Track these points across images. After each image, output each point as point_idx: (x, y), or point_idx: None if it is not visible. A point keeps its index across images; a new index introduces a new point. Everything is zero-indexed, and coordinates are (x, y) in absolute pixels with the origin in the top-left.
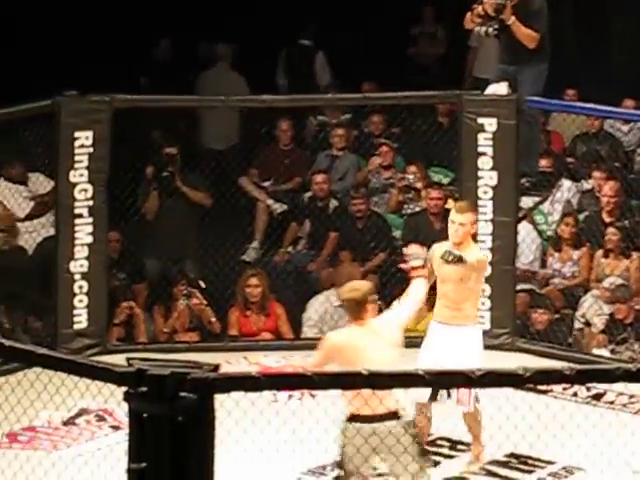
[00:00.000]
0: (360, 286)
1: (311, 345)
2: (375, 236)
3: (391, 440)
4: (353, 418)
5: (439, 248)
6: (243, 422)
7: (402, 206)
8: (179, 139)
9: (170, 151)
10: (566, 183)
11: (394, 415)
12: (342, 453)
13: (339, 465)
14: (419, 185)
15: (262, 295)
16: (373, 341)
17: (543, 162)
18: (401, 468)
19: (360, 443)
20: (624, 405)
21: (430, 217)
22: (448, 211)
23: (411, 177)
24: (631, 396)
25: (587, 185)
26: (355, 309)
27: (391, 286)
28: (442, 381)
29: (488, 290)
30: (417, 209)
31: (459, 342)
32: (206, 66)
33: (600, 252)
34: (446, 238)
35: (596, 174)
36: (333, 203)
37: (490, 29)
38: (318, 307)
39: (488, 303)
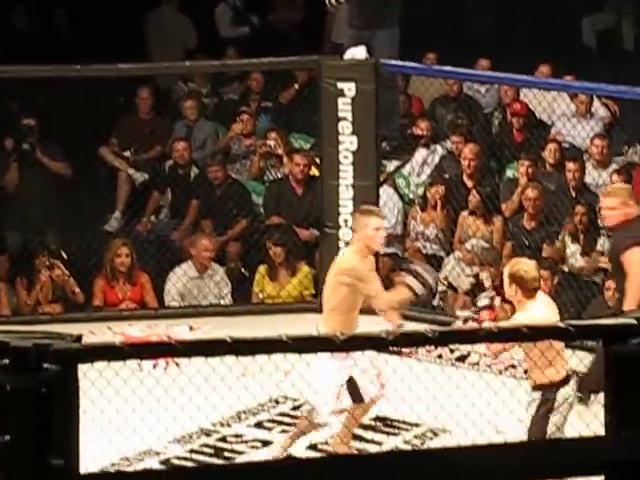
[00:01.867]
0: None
1: (174, 314)
2: (235, 204)
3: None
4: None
5: None
6: (107, 392)
7: (264, 173)
8: (37, 110)
9: (28, 122)
10: (438, 148)
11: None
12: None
13: None
14: (280, 151)
15: (129, 264)
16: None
17: (410, 125)
18: None
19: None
20: (488, 366)
21: (292, 183)
22: (311, 177)
23: (272, 143)
24: (495, 356)
25: (447, 148)
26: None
27: (254, 253)
28: (305, 347)
29: None
30: (279, 176)
31: None
32: (152, 6)
33: (464, 213)
34: (306, 204)
35: (454, 137)
36: (194, 171)
37: None
38: (178, 279)
39: None
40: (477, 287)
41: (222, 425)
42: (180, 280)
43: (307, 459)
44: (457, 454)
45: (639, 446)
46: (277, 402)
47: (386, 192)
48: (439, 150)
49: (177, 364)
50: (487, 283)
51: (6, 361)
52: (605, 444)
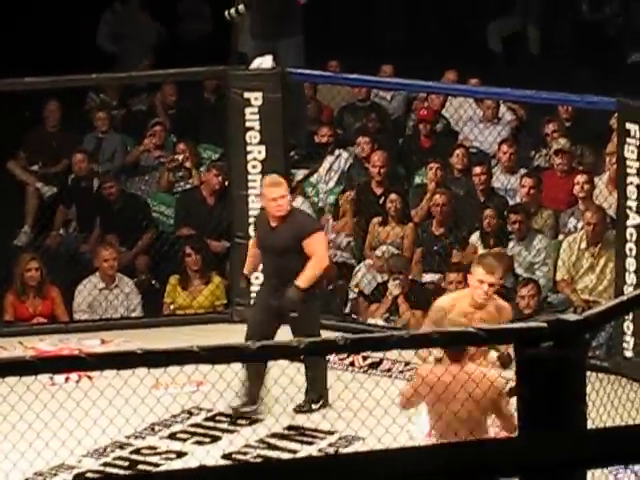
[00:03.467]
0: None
1: (86, 328)
2: (135, 217)
3: None
4: None
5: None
6: (19, 407)
7: (173, 185)
8: None
9: None
10: (343, 153)
11: None
12: None
13: None
14: (188, 164)
15: (39, 278)
16: None
17: (315, 133)
18: None
19: None
20: (400, 372)
21: (204, 194)
22: (223, 188)
23: (180, 157)
24: (406, 363)
25: (355, 155)
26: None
27: (164, 265)
28: (217, 357)
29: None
30: (188, 187)
31: None
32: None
33: (375, 220)
34: (217, 215)
35: (363, 142)
36: (96, 184)
37: (236, 8)
38: (86, 290)
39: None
40: (385, 293)
41: (136, 437)
42: (88, 292)
43: (222, 466)
44: (368, 458)
45: (551, 448)
46: (190, 413)
47: (296, 201)
48: (344, 155)
49: (89, 377)
50: (396, 291)
51: None
52: (518, 446)
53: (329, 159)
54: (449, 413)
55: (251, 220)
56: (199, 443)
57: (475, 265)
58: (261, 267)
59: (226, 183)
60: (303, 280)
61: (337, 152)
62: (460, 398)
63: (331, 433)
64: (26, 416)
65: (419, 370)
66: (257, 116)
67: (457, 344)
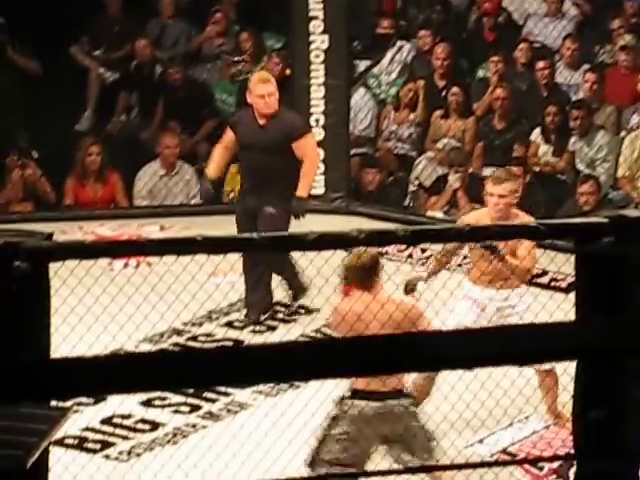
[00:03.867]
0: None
1: (145, 214)
2: (198, 105)
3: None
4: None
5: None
6: (78, 290)
7: (235, 74)
8: (7, 8)
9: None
10: (406, 45)
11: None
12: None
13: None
14: (250, 53)
15: (100, 163)
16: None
17: (377, 24)
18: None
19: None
20: (459, 265)
21: None
22: (286, 77)
23: (242, 58)
24: (465, 257)
25: (419, 46)
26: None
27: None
28: (276, 245)
29: (322, 154)
30: (249, 75)
31: None
32: None
33: (437, 113)
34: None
35: (425, 35)
36: (158, 70)
37: None
38: (147, 177)
39: (322, 167)
40: (446, 186)
41: (193, 324)
42: (148, 178)
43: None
44: (432, 338)
45: (609, 333)
46: None
47: (358, 92)
48: (407, 47)
49: (148, 263)
50: (456, 184)
51: None
52: (578, 329)
53: (391, 51)
54: None
55: (312, 110)
56: (256, 332)
57: (486, 181)
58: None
59: (288, 72)
60: (304, 189)
61: (400, 44)
62: (374, 327)
63: None
64: (85, 300)
65: (337, 306)
66: (321, 5)
67: (516, 237)
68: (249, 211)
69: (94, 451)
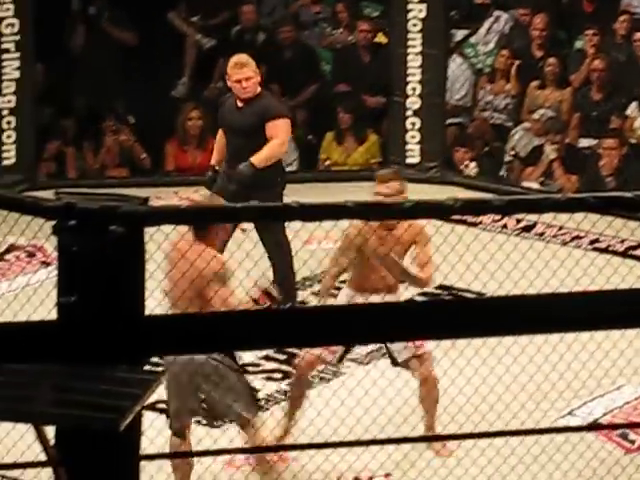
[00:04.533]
0: None
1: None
2: (304, 68)
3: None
4: None
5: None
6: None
7: (332, 42)
8: None
9: None
10: (503, 15)
11: None
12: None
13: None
14: (347, 21)
15: (200, 129)
16: None
17: None
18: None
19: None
20: (554, 236)
21: (359, 50)
22: (377, 45)
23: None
24: (560, 227)
25: (517, 17)
26: None
27: (321, 120)
28: (372, 213)
29: (418, 123)
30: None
31: None
32: None
33: (533, 84)
34: (373, 71)
35: (522, 5)
36: (261, 36)
37: None
38: None
39: (418, 136)
40: (542, 156)
41: None
42: None
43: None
44: (534, 302)
45: None
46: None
47: (455, 61)
48: (504, 17)
49: (243, 230)
50: (552, 154)
51: (73, 222)
52: None
53: (489, 20)
54: (176, 289)
55: (409, 79)
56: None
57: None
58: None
59: (383, 39)
60: (258, 158)
61: (497, 13)
62: (178, 275)
63: (481, 294)
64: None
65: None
66: None
67: (611, 209)
68: (227, 190)
69: None
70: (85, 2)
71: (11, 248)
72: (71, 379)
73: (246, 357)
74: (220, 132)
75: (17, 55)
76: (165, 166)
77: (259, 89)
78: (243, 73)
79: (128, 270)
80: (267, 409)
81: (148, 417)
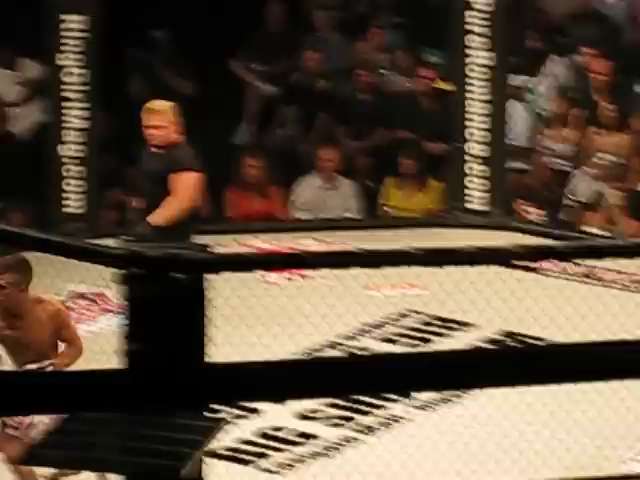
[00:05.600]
0: None
1: (302, 227)
2: (367, 113)
3: None
4: None
5: None
6: (233, 302)
7: (393, 88)
8: (169, 22)
9: (157, 34)
10: (557, 59)
11: None
12: None
13: None
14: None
15: (260, 176)
16: None
17: (533, 39)
18: None
19: None
20: (613, 281)
21: (420, 96)
22: (437, 91)
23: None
24: (620, 272)
25: (576, 62)
26: None
27: (382, 166)
28: (432, 260)
29: (479, 169)
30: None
31: None
32: None
33: (593, 129)
34: (434, 117)
35: (585, 51)
36: (322, 83)
37: None
38: (305, 191)
39: (479, 182)
40: (603, 201)
41: (347, 338)
42: (306, 191)
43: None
44: (597, 349)
45: None
46: (403, 315)
47: (514, 106)
48: (562, 61)
49: (303, 276)
50: (613, 199)
51: (137, 270)
52: None
53: (547, 65)
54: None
55: (469, 124)
56: (410, 345)
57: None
58: None
59: (444, 85)
60: (155, 216)
61: (555, 58)
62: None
63: (540, 339)
64: (239, 311)
65: None
66: (479, 20)
67: None
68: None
69: (248, 462)
70: (145, 51)
71: (75, 296)
72: (134, 426)
73: (309, 403)
74: None
75: (80, 104)
76: (225, 213)
77: (174, 137)
78: (150, 119)
79: (191, 317)
80: (330, 456)
81: (209, 464)
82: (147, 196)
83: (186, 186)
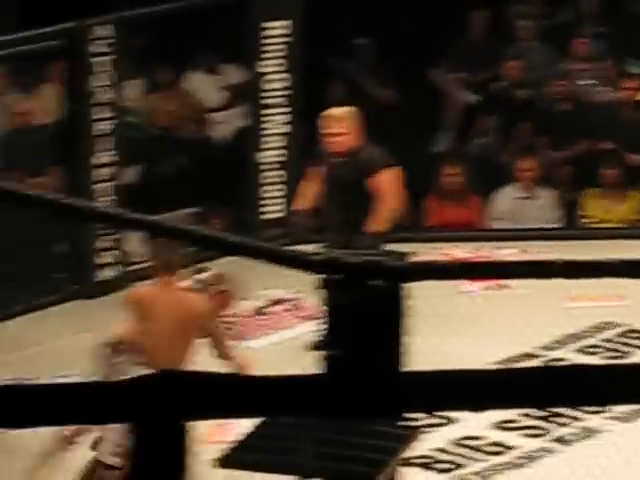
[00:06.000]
0: None
1: (501, 237)
2: (571, 123)
3: None
4: None
5: None
6: (428, 310)
7: (597, 99)
8: (370, 30)
9: (361, 41)
10: None
11: None
12: None
13: None
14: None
15: (460, 185)
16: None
17: None
18: None
19: None
20: None
21: (623, 107)
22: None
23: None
24: None
25: None
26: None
27: (583, 177)
28: (635, 272)
29: None
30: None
31: None
32: None
33: None
34: (636, 129)
35: None
36: (523, 93)
37: None
38: (505, 201)
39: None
40: None
41: (545, 349)
42: (506, 200)
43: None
44: None
45: None
46: (602, 327)
47: None
48: None
49: (500, 286)
50: None
51: (337, 276)
52: None
53: None
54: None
55: None
56: (610, 358)
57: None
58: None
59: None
60: (372, 225)
61: None
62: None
63: None
64: (433, 321)
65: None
66: None
67: None
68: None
69: (444, 471)
70: (346, 59)
71: (273, 301)
72: (332, 432)
73: (504, 413)
74: (310, 176)
75: (281, 110)
76: (424, 221)
77: (355, 143)
78: (330, 127)
79: (388, 325)
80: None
81: (404, 472)
82: (341, 205)
83: (389, 185)
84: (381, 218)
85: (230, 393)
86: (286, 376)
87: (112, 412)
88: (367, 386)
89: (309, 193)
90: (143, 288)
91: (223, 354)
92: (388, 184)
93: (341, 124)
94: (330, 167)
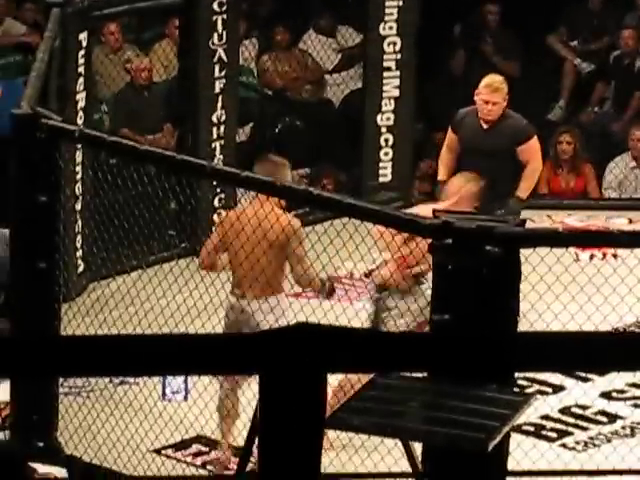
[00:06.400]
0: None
1: (614, 206)
2: None
3: None
4: None
5: None
6: (547, 278)
7: None
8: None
9: (489, 9)
10: None
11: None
12: None
13: None
14: None
15: (574, 153)
16: None
17: None
18: None
19: None
20: None
21: None
22: None
23: None
24: None
25: None
26: None
27: None
28: None
29: None
30: None
31: None
32: None
33: None
34: None
35: None
36: (638, 62)
37: None
38: (617, 171)
39: None
40: None
41: None
42: (619, 170)
43: None
44: None
45: None
46: None
47: None
48: None
49: (614, 255)
50: None
51: (449, 241)
52: None
53: None
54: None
55: None
56: None
57: None
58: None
59: None
60: (523, 190)
61: None
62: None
63: None
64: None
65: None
66: None
67: None
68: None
69: (552, 439)
70: (467, 29)
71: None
72: (441, 397)
73: (615, 383)
74: (445, 149)
75: (397, 73)
76: (538, 189)
77: (504, 111)
78: (492, 97)
79: (502, 290)
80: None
81: (515, 438)
82: (488, 172)
83: (536, 153)
84: (529, 184)
85: (366, 347)
86: (417, 334)
87: (255, 361)
88: (477, 350)
89: (449, 163)
90: (232, 211)
91: (301, 277)
92: (535, 152)
93: (497, 93)
94: (474, 134)
